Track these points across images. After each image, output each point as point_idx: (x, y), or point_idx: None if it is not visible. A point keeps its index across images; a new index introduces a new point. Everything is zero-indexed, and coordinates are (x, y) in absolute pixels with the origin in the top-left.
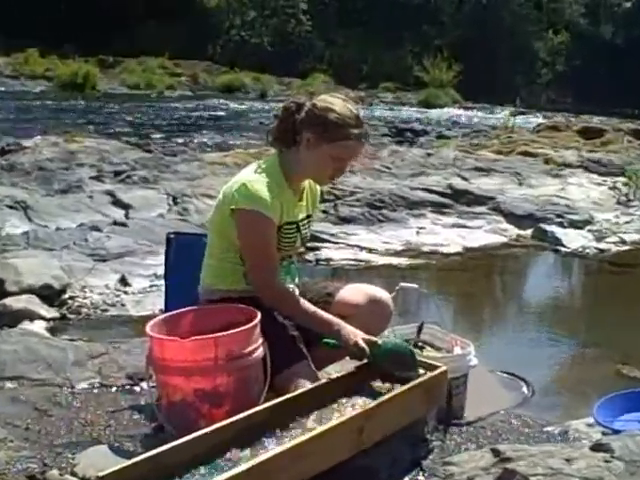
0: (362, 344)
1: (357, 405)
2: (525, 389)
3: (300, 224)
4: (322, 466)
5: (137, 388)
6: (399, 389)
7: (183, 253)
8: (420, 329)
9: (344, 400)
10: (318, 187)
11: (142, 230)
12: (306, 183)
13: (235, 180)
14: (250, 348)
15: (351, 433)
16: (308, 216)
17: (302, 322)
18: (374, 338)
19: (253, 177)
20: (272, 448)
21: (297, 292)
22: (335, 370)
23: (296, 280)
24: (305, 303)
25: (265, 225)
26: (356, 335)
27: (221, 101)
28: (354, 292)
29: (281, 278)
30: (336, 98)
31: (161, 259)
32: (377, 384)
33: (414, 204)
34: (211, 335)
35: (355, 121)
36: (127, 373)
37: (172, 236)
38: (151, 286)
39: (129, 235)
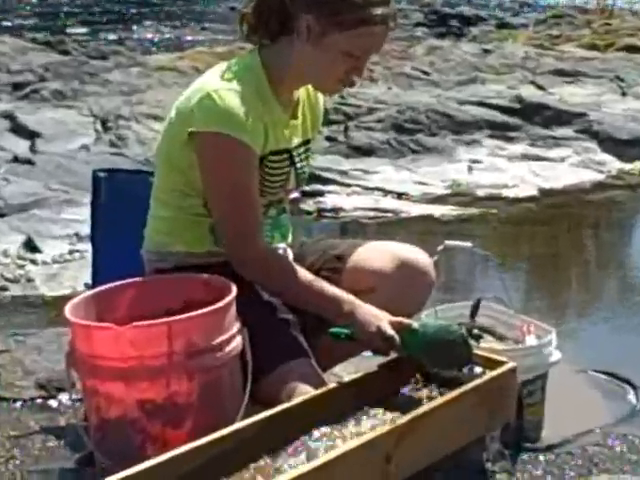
0: (389, 331)
1: (382, 422)
2: (632, 397)
3: (294, 153)
4: None
5: (53, 402)
6: (444, 397)
7: (119, 201)
8: (475, 309)
9: (362, 415)
10: (320, 97)
11: (56, 170)
12: (302, 92)
13: (194, 89)
14: (221, 338)
15: (374, 463)
16: (306, 141)
17: (297, 301)
18: (407, 320)
19: (221, 85)
20: None
21: (290, 256)
22: (348, 371)
23: (289, 238)
24: (302, 273)
25: (241, 156)
26: (379, 318)
27: None
28: (376, 254)
29: (265, 236)
30: None
31: (86, 212)
32: (411, 390)
33: (464, 126)
34: (163, 319)
35: None
36: (38, 380)
37: (102, 175)
38: (71, 252)
39: (37, 177)
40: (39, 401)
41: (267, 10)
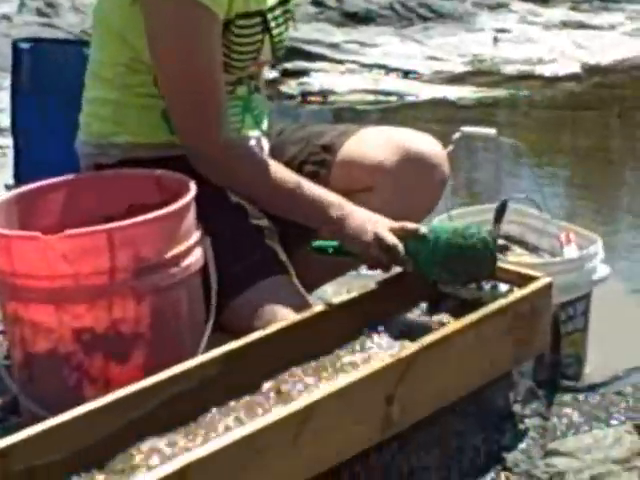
0: (389, 239)
1: (380, 354)
2: None
3: (269, 16)
4: (323, 464)
5: None
6: (460, 321)
7: (46, 79)
8: (501, 213)
9: (355, 345)
10: None
11: None
12: None
13: None
14: (177, 250)
15: (371, 405)
16: (284, 0)
17: (272, 206)
18: (412, 225)
19: None
20: (221, 435)
21: (265, 147)
22: (338, 292)
23: (264, 124)
24: (277, 169)
25: (200, 20)
26: (377, 224)
27: None
28: (374, 143)
29: (234, 120)
30: None
31: (6, 99)
32: (418, 315)
33: None
34: (103, 226)
35: None
36: None
37: (25, 47)
38: None
39: None
40: None
41: None
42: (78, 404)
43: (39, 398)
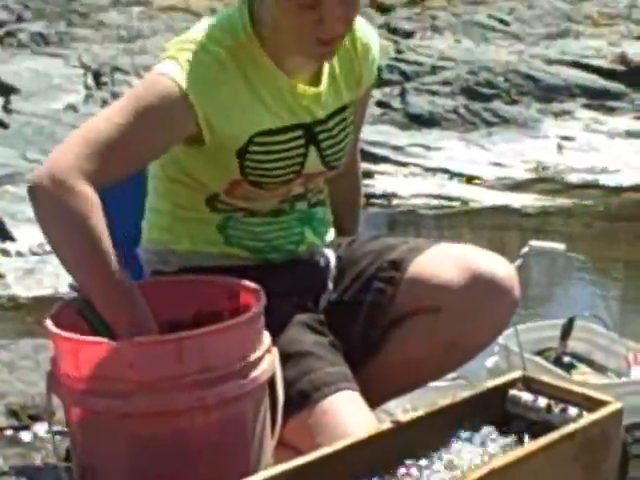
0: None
1: (445, 476)
2: None
3: (317, 129)
4: None
5: (27, 434)
6: (529, 446)
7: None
8: (568, 330)
9: (420, 465)
10: (372, 43)
11: (36, 135)
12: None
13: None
14: (246, 361)
15: None
16: (340, 109)
17: (71, 262)
18: None
19: (194, 39)
20: None
21: (331, 258)
22: (403, 408)
23: (328, 235)
24: (100, 228)
25: (173, 106)
26: (141, 327)
27: None
28: (443, 262)
29: (292, 235)
30: None
31: None
32: (484, 436)
33: (553, 92)
34: (172, 335)
35: None
36: (8, 405)
37: None
38: None
39: (11, 144)
40: (9, 432)
41: None
42: None
43: None
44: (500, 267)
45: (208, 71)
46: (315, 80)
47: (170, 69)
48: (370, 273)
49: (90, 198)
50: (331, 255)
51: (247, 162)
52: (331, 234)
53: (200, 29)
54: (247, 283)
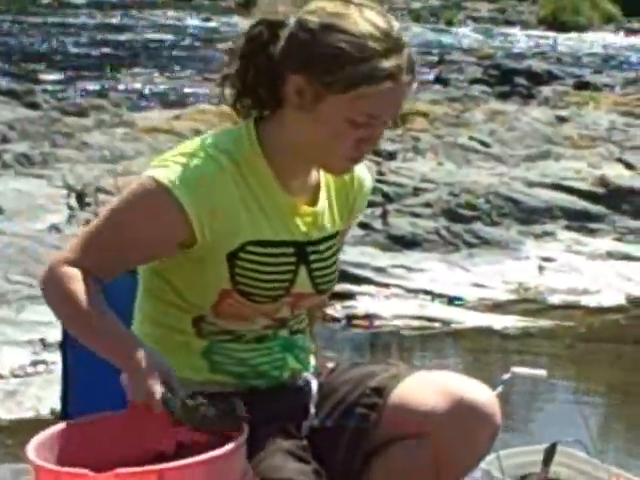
0: (153, 388)
1: None
2: None
3: (309, 249)
4: None
5: None
6: None
7: None
8: (550, 455)
9: None
10: (365, 179)
11: (18, 256)
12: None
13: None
14: None
15: None
16: (331, 235)
17: (76, 329)
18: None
19: (198, 144)
20: None
21: (313, 385)
22: None
23: (308, 363)
24: (93, 297)
25: (154, 206)
26: (152, 375)
27: (170, 14)
28: (426, 389)
29: (273, 361)
30: (349, 3)
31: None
32: None
33: (534, 214)
34: (153, 467)
35: (386, 41)
36: None
37: None
38: (34, 363)
39: None
40: None
41: (254, 71)
42: None
43: None
44: (481, 393)
45: (202, 170)
46: (312, 203)
47: (157, 172)
48: (352, 400)
49: (75, 277)
50: (313, 381)
51: (237, 269)
52: (312, 361)
53: (196, 141)
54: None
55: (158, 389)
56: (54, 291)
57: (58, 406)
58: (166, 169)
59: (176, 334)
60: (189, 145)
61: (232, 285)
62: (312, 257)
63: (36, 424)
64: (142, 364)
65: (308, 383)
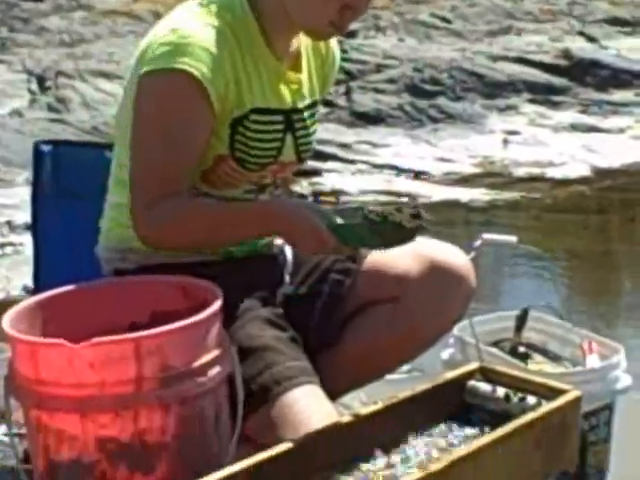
0: (320, 227)
1: (406, 467)
2: None
3: (294, 117)
4: None
5: None
6: (489, 435)
7: (67, 182)
8: (522, 321)
9: (383, 459)
10: (334, 47)
11: None
12: (305, 41)
13: (155, 28)
14: (204, 360)
15: None
16: (313, 104)
17: (222, 242)
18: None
19: (188, 19)
20: None
21: (289, 254)
22: (360, 400)
23: None
24: (207, 208)
25: (188, 96)
26: (306, 225)
27: None
28: (400, 252)
29: None
30: None
31: (20, 194)
32: (444, 429)
33: (497, 88)
34: (129, 335)
35: None
36: None
37: (46, 149)
38: (1, 245)
39: None
40: None
41: None
42: None
43: None
44: (456, 256)
45: (209, 45)
46: (295, 68)
47: (169, 61)
48: (326, 266)
49: (172, 208)
50: (288, 249)
51: (237, 136)
52: None
53: (188, 11)
54: (203, 281)
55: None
56: (172, 234)
57: (30, 283)
58: (177, 56)
59: None
60: (184, 20)
61: (229, 151)
62: (297, 125)
63: (6, 305)
64: (297, 220)
65: (283, 251)
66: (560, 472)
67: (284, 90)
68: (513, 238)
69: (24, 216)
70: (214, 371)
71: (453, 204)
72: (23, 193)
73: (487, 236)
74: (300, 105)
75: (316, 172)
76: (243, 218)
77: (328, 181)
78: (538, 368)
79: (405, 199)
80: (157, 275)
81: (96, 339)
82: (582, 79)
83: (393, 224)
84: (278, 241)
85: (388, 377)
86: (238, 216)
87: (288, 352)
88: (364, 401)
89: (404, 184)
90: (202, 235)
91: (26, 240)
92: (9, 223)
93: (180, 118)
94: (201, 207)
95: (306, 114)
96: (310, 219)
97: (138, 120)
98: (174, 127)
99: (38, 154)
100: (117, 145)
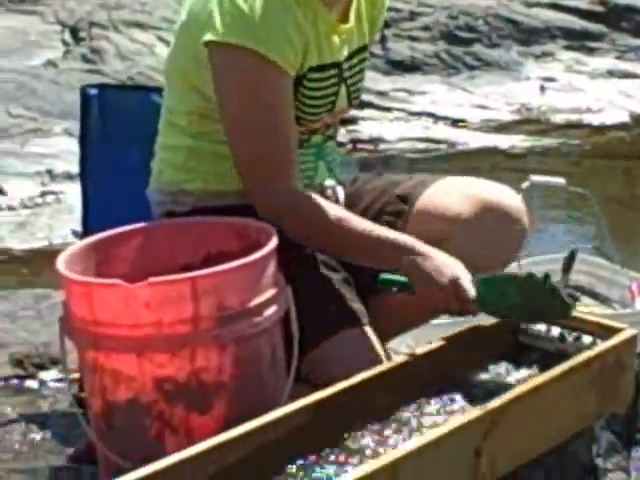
0: (469, 287)
1: (461, 408)
2: None
3: (345, 66)
4: None
5: (33, 383)
6: (546, 374)
7: (116, 126)
8: (570, 263)
9: (436, 398)
10: None
11: (17, 91)
12: None
13: None
14: (260, 299)
15: (460, 458)
16: (362, 48)
17: (343, 252)
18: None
19: None
20: None
21: (341, 195)
22: (407, 344)
23: (337, 173)
24: (346, 215)
25: (271, 76)
26: (452, 267)
27: None
28: (452, 194)
29: (305, 169)
30: None
31: (55, 144)
32: (499, 367)
33: (533, 34)
34: (186, 274)
35: None
36: (13, 355)
37: (93, 93)
38: (43, 194)
39: None
40: (15, 381)
41: None
42: (158, 455)
43: (118, 448)
44: (508, 197)
45: (275, 26)
46: (344, 18)
47: (252, 43)
48: (378, 208)
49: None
50: (340, 191)
51: (297, 95)
52: (340, 172)
53: None
54: (257, 222)
55: (471, 287)
56: (307, 218)
57: (76, 228)
58: (252, 36)
59: (209, 144)
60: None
61: None
62: (347, 74)
63: (49, 253)
64: (439, 266)
65: (335, 192)
66: (610, 413)
67: (336, 42)
68: (562, 180)
69: (64, 165)
70: (270, 311)
71: (493, 151)
72: (62, 143)
73: (536, 177)
74: (349, 53)
75: (353, 120)
76: (388, 246)
77: (365, 129)
78: (587, 310)
79: None
80: (208, 216)
81: (152, 279)
82: (618, 25)
83: (550, 289)
84: (330, 182)
85: (434, 322)
86: (381, 242)
87: (342, 293)
88: (410, 345)
89: (442, 131)
90: (332, 242)
91: (67, 189)
92: (49, 172)
93: (274, 106)
94: (349, 225)
95: (356, 60)
96: (459, 266)
97: (229, 105)
98: (270, 114)
99: (85, 99)
100: (168, 90)
